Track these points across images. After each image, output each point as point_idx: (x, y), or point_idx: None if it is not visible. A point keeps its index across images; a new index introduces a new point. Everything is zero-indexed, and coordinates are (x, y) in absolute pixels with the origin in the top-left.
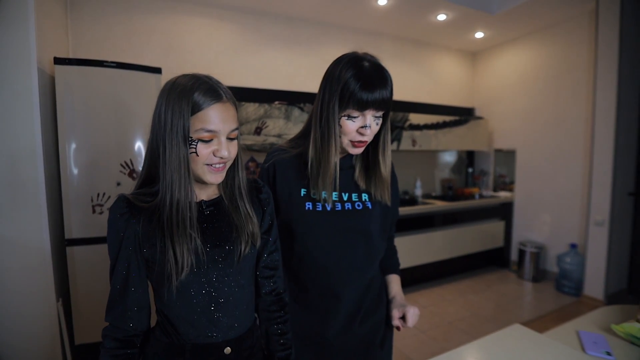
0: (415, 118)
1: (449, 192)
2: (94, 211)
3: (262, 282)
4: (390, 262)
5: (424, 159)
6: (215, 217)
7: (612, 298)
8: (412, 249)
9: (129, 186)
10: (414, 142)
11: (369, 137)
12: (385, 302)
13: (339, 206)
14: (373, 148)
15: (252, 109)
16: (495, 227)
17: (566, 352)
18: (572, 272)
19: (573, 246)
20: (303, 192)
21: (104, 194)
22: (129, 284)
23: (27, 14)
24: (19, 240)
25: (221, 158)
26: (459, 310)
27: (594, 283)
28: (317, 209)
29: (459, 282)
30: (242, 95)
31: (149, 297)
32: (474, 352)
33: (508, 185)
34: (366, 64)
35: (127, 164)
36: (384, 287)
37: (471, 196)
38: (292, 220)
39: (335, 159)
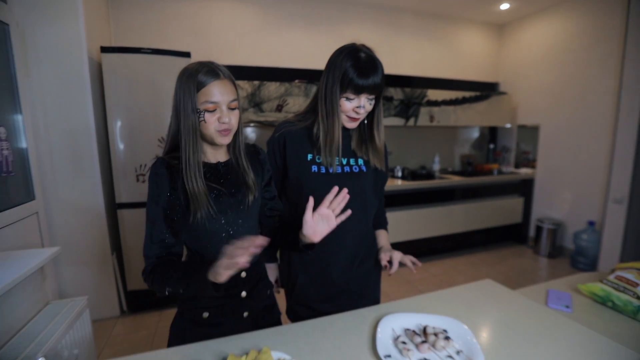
0: (433, 94)
1: (469, 168)
2: (137, 180)
3: (269, 219)
4: (379, 220)
5: (442, 135)
6: (229, 173)
7: None
8: (427, 221)
9: None
10: (431, 118)
11: (362, 115)
12: (376, 251)
13: (339, 169)
14: (369, 124)
15: (273, 88)
16: (514, 203)
17: (528, 305)
18: (588, 249)
19: (591, 223)
20: (309, 156)
21: (145, 165)
22: (164, 223)
23: (77, 9)
24: (80, 203)
25: (224, 123)
26: (467, 280)
27: (609, 260)
28: (322, 172)
29: (473, 255)
30: (264, 74)
31: (180, 231)
32: (441, 298)
33: (531, 162)
34: (362, 55)
35: (163, 139)
36: (375, 240)
37: (490, 172)
38: (300, 182)
39: (339, 131)
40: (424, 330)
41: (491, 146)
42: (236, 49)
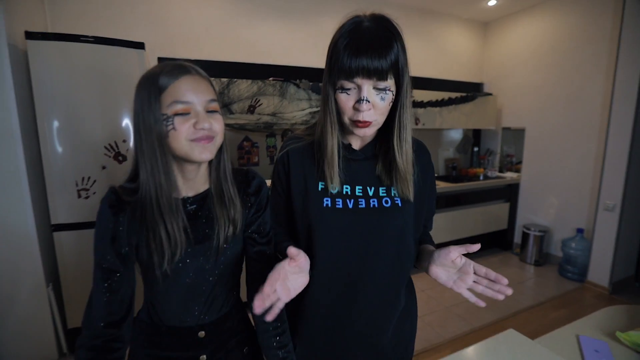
0: (419, 95)
1: (453, 173)
2: (79, 196)
3: (252, 279)
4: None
5: (427, 138)
6: (198, 214)
7: (617, 285)
8: None
9: (114, 170)
10: (417, 121)
11: (369, 114)
12: (413, 315)
13: (362, 203)
14: (387, 131)
15: (244, 86)
16: (500, 209)
17: None
18: (576, 257)
19: (579, 231)
20: (321, 186)
21: (89, 177)
22: (112, 282)
23: None
24: (4, 225)
25: (202, 129)
26: (456, 295)
27: (599, 269)
28: (337, 206)
29: None
30: (234, 71)
31: (133, 290)
32: (461, 359)
33: (515, 166)
34: (366, 24)
35: (111, 147)
36: (413, 303)
37: (476, 177)
38: (309, 220)
39: (333, 140)
40: None
41: (475, 149)
42: (201, 42)
